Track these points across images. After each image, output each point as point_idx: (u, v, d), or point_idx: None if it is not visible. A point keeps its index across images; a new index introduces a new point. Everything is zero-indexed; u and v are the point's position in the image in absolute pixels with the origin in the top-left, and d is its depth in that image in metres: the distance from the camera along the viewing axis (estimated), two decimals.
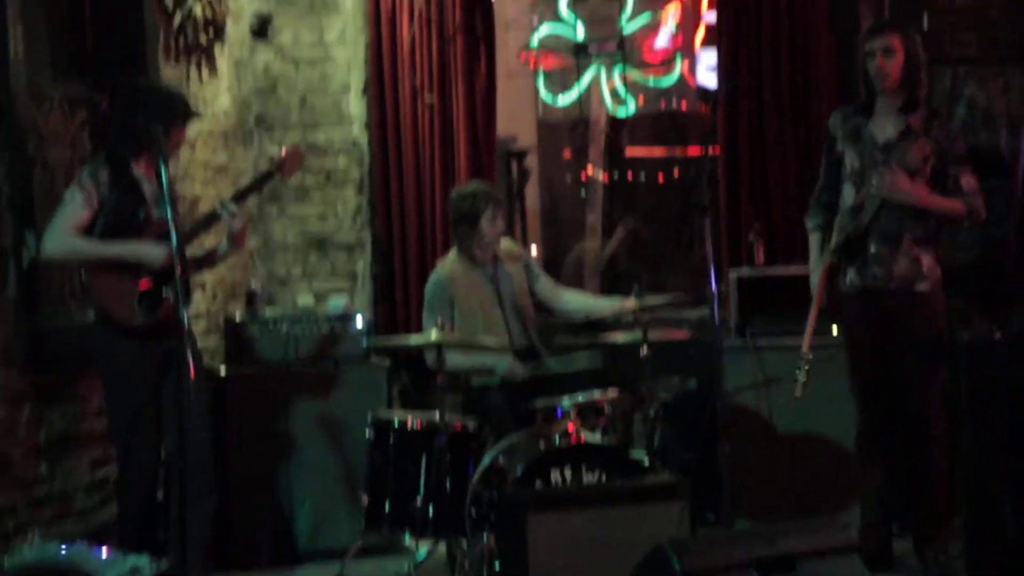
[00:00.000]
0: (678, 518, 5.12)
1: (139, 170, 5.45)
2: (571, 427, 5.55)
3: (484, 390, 6.22)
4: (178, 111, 5.49)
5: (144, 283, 5.33)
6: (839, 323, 5.99)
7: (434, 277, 6.35)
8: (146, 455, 5.45)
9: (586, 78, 8.48)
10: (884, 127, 5.68)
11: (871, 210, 5.60)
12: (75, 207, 5.30)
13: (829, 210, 5.86)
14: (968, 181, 5.59)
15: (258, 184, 5.81)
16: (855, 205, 5.67)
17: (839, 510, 6.25)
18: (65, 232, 5.29)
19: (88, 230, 5.34)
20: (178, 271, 4.96)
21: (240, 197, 5.66)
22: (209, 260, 5.88)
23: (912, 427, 5.72)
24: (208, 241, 6.08)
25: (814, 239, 5.93)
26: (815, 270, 5.88)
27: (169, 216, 5.03)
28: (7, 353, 5.50)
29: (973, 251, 6.79)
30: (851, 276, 5.74)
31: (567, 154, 11.90)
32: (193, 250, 5.71)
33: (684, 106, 9.64)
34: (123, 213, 5.36)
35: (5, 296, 5.52)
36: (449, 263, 6.38)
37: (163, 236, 5.23)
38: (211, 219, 5.58)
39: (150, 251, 5.31)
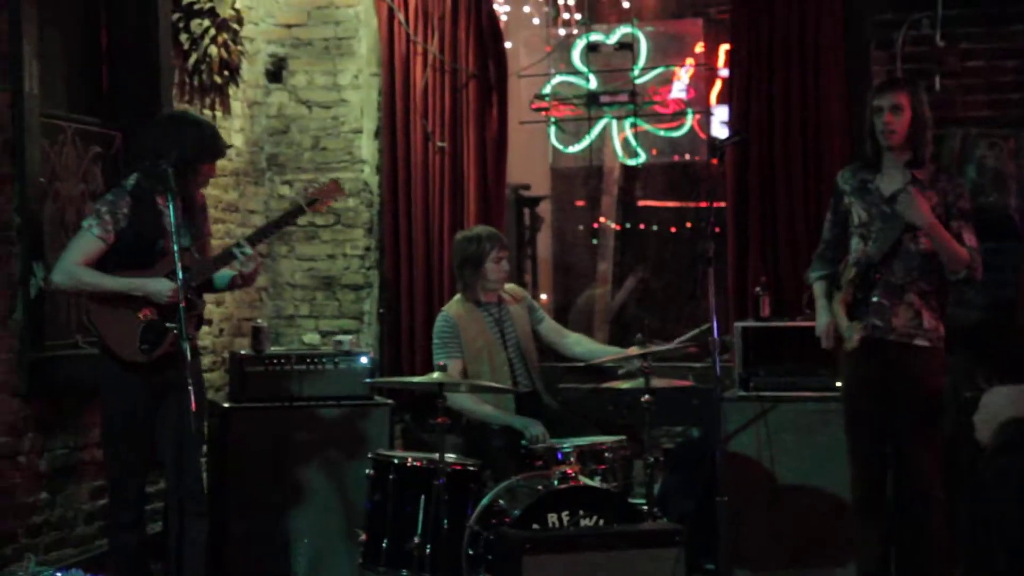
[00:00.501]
0: (674, 565, 5.14)
1: (162, 202, 5.41)
2: (570, 471, 5.55)
3: (485, 432, 6.24)
4: (209, 147, 5.49)
5: (146, 312, 5.33)
6: (839, 372, 5.99)
7: (442, 316, 6.40)
8: (136, 487, 5.47)
9: (597, 128, 8.54)
10: (891, 181, 5.71)
11: (890, 239, 5.59)
12: (89, 238, 5.30)
13: (833, 265, 5.88)
14: (970, 238, 5.61)
15: (284, 223, 5.77)
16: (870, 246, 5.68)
17: (838, 564, 6.25)
18: (75, 264, 5.29)
19: (104, 259, 5.33)
20: (182, 304, 5.02)
21: (258, 238, 5.63)
22: (232, 284, 5.79)
23: (910, 486, 5.71)
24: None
25: (819, 287, 5.94)
26: (822, 314, 5.86)
27: (176, 249, 5.08)
28: (11, 382, 5.56)
29: (979, 311, 6.79)
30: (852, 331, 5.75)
31: (580, 202, 11.97)
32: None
33: (696, 159, 9.69)
34: (142, 243, 5.35)
35: (11, 326, 5.58)
36: (454, 305, 6.42)
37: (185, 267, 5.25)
38: (225, 258, 5.55)
39: (157, 287, 5.29)
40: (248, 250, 5.50)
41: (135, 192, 5.39)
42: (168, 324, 5.25)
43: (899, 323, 5.64)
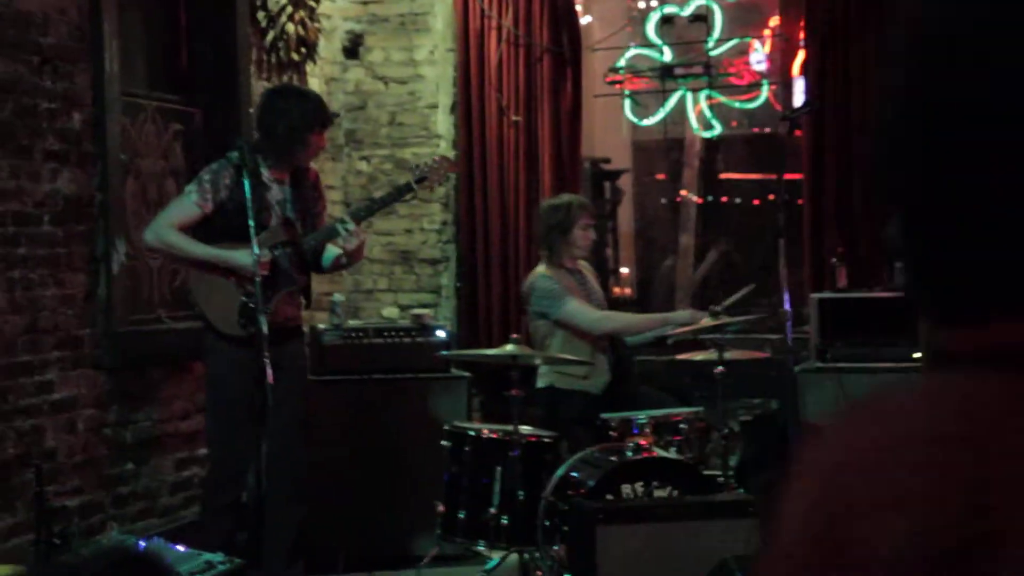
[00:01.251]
0: (747, 535, 5.14)
1: (270, 175, 5.46)
2: (644, 442, 5.58)
3: (561, 403, 6.28)
4: (317, 116, 5.49)
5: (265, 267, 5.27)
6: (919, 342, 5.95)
7: (541, 276, 6.36)
8: (237, 458, 5.45)
9: (672, 101, 8.52)
10: None
11: None
12: (187, 204, 5.35)
13: None
14: None
15: (391, 199, 5.79)
16: None
17: None
18: (169, 226, 5.32)
19: (203, 230, 5.37)
20: (258, 278, 5.08)
21: (363, 214, 5.65)
22: (337, 263, 5.82)
23: None
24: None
25: None
26: None
27: (252, 230, 5.10)
28: (95, 355, 5.69)
29: None
30: None
31: (661, 176, 11.95)
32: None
33: (778, 131, 9.63)
34: (241, 217, 5.28)
35: (95, 301, 5.71)
36: (544, 268, 6.42)
37: (281, 244, 5.34)
38: (328, 233, 5.56)
39: (243, 260, 5.25)
40: (351, 225, 5.47)
41: (242, 165, 5.38)
42: (273, 298, 5.31)
43: None
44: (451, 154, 8.00)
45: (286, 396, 5.22)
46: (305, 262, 5.51)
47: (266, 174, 5.45)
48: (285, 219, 5.44)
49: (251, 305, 5.27)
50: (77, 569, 1.77)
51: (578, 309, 6.22)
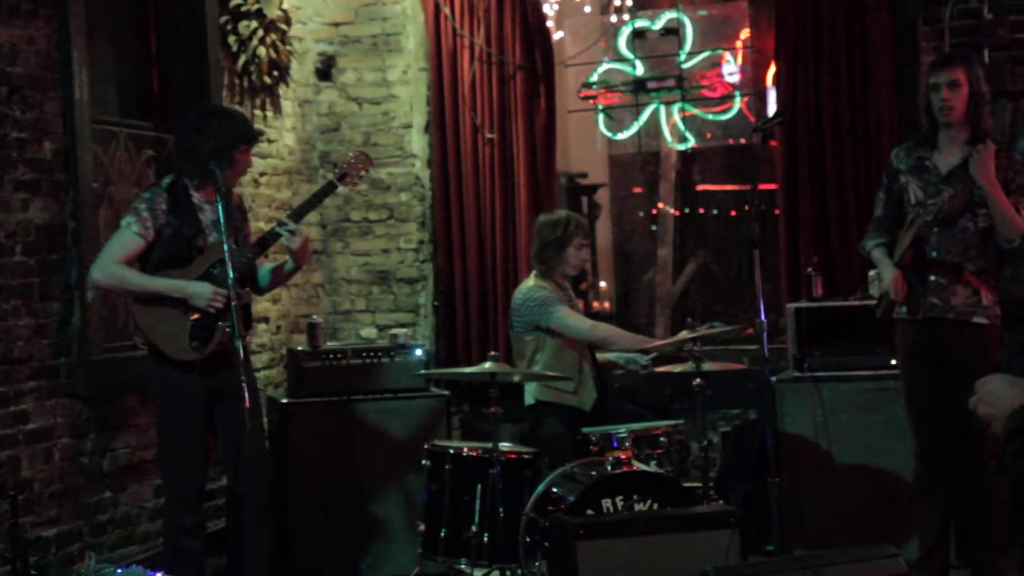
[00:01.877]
0: (728, 546, 5.14)
1: (199, 196, 5.48)
2: (624, 456, 5.58)
3: (541, 419, 6.29)
4: (241, 134, 5.50)
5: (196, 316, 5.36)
6: (897, 350, 5.96)
7: (533, 286, 6.38)
8: (193, 486, 5.45)
9: (645, 114, 8.53)
10: (948, 159, 5.68)
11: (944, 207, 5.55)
12: (128, 236, 5.34)
13: (888, 235, 5.84)
14: None
15: (319, 198, 5.76)
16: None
17: (897, 544, 6.21)
18: (114, 262, 5.32)
19: (145, 257, 5.38)
20: (234, 302, 5.08)
21: (299, 215, 5.65)
22: (275, 279, 5.83)
23: (971, 458, 5.70)
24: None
25: (878, 251, 5.85)
26: (886, 269, 5.76)
27: (225, 246, 5.14)
28: (71, 385, 5.68)
29: None
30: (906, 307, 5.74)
31: (637, 189, 11.97)
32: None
33: (753, 141, 9.65)
34: (180, 241, 5.39)
35: (69, 330, 5.70)
36: (536, 279, 6.43)
37: (219, 263, 5.31)
38: (270, 239, 5.58)
39: (196, 289, 5.30)
40: (291, 224, 5.51)
41: (171, 189, 5.44)
42: (220, 323, 5.31)
43: (958, 302, 5.62)
44: (425, 173, 8.02)
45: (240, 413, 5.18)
46: (241, 279, 5.48)
47: (196, 196, 5.46)
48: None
49: (214, 326, 5.29)
50: None
51: (571, 315, 6.25)
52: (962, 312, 5.62)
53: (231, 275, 5.12)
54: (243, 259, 5.48)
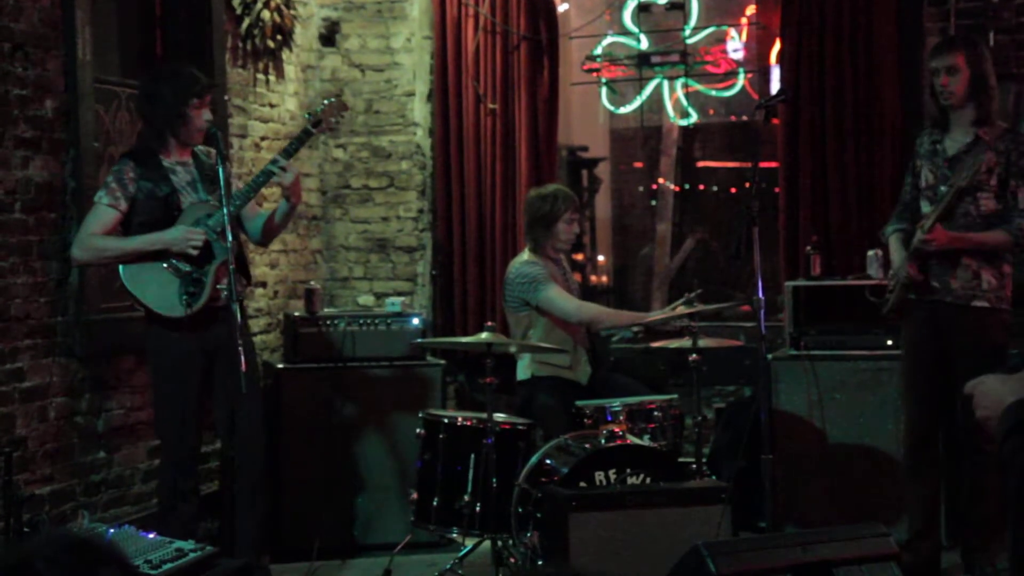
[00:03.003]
0: (719, 522, 5.16)
1: (170, 158, 5.47)
2: (618, 429, 5.59)
3: (536, 391, 6.29)
4: (189, 89, 5.43)
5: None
6: (901, 329, 5.95)
7: (526, 261, 6.39)
8: (187, 448, 5.46)
9: (648, 89, 8.52)
10: (956, 141, 5.68)
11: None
12: (101, 209, 5.34)
13: (909, 223, 5.84)
14: None
15: (302, 140, 5.67)
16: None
17: (888, 523, 6.22)
18: (91, 236, 5.33)
19: (125, 229, 5.38)
20: (232, 265, 5.06)
21: (287, 154, 5.60)
22: (269, 226, 5.78)
23: (963, 439, 5.71)
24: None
25: (894, 238, 5.88)
26: (897, 254, 5.81)
27: (225, 212, 5.13)
28: (68, 344, 5.68)
29: None
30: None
31: (638, 164, 11.96)
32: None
33: (756, 119, 9.64)
34: (155, 201, 5.39)
35: (67, 289, 5.69)
36: (528, 255, 6.44)
37: (205, 217, 5.34)
38: (262, 178, 5.54)
39: (172, 235, 5.31)
40: (283, 161, 5.51)
41: (138, 156, 5.44)
42: (207, 278, 5.32)
43: (957, 285, 5.62)
44: (427, 142, 8.01)
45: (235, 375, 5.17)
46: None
47: (166, 161, 5.46)
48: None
49: (197, 280, 5.31)
50: (30, 555, 1.77)
51: (559, 295, 6.24)
52: (960, 296, 5.62)
53: (230, 237, 5.10)
54: (245, 199, 5.48)
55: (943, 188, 5.62)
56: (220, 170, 5.21)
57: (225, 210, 5.15)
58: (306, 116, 5.83)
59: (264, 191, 6.11)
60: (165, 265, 5.34)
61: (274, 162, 5.52)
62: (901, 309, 5.78)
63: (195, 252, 5.30)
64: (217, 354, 5.40)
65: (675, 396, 6.17)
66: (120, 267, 5.38)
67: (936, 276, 5.65)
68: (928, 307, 5.69)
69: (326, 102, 5.76)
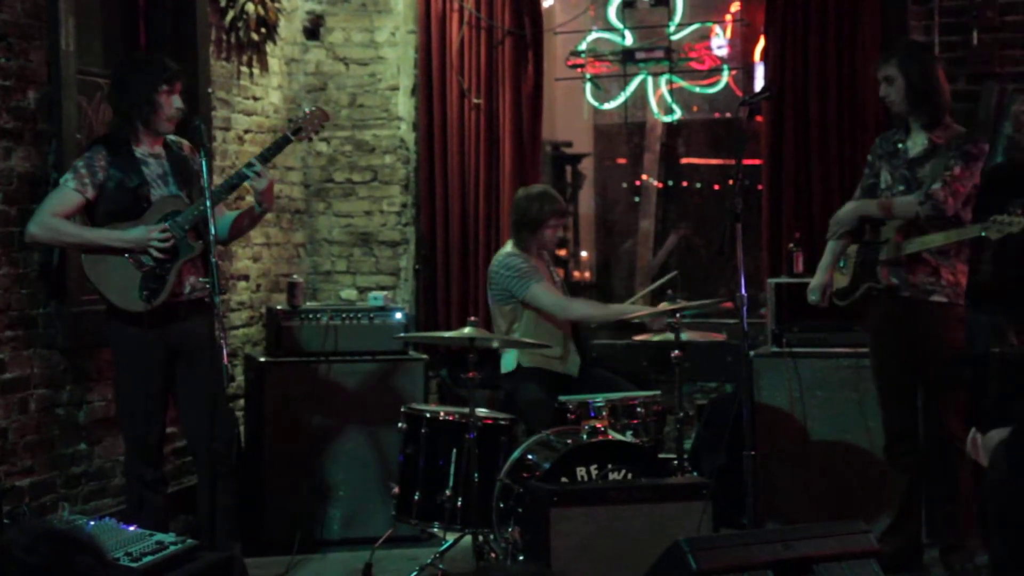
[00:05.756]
0: (700, 518, 5.17)
1: (141, 148, 5.45)
2: (600, 425, 5.60)
3: (521, 383, 6.30)
4: (157, 77, 5.39)
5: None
6: (868, 325, 5.99)
7: (511, 253, 6.41)
8: (152, 441, 5.45)
9: (632, 85, 8.53)
10: (916, 144, 5.72)
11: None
12: (65, 192, 5.31)
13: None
14: (955, 171, 5.56)
15: (279, 147, 5.67)
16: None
17: (868, 519, 6.25)
18: (51, 215, 5.28)
19: (91, 214, 5.36)
20: (214, 258, 5.05)
21: (264, 159, 5.59)
22: (238, 226, 5.76)
23: (935, 439, 5.75)
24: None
25: (830, 245, 6.03)
26: (820, 272, 5.99)
27: (208, 207, 5.09)
28: (49, 335, 5.66)
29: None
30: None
31: (622, 160, 11.97)
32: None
33: (740, 116, 9.65)
34: (124, 192, 5.36)
35: (49, 280, 5.67)
36: (513, 248, 6.44)
37: (172, 215, 5.33)
38: (236, 180, 5.54)
39: (133, 235, 5.29)
40: (258, 166, 5.49)
41: (110, 144, 5.40)
42: (170, 276, 5.30)
43: (915, 280, 5.66)
44: (411, 136, 8.00)
45: (202, 376, 5.17)
46: (197, 230, 5.40)
47: (138, 151, 5.43)
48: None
49: (159, 276, 5.29)
50: (8, 544, 1.77)
51: (545, 291, 6.25)
52: (919, 290, 5.66)
53: (213, 231, 5.07)
54: (217, 199, 5.43)
55: (900, 188, 5.66)
56: (204, 163, 5.18)
57: (208, 203, 5.12)
58: (288, 122, 5.82)
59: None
60: (127, 256, 5.32)
61: (249, 166, 5.52)
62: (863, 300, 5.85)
63: (158, 255, 5.28)
64: (180, 349, 5.39)
65: (658, 392, 6.19)
66: (82, 255, 5.36)
67: (895, 270, 5.69)
68: (887, 298, 5.73)
69: (308, 111, 5.76)
